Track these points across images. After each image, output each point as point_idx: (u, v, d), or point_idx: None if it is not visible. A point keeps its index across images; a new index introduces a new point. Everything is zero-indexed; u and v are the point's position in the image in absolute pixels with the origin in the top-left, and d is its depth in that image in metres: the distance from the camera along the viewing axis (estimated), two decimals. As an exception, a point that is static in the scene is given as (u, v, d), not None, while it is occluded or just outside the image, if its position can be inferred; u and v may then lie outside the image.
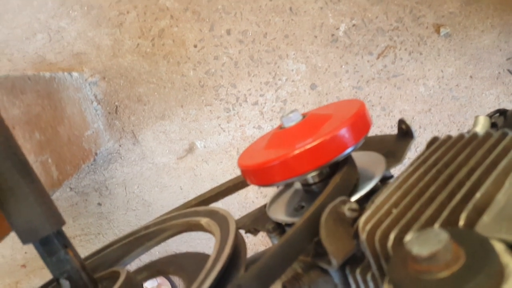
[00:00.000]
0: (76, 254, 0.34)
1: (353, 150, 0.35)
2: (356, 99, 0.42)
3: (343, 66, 1.21)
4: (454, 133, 0.36)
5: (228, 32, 1.17)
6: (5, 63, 1.17)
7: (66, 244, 0.34)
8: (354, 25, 1.20)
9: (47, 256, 0.33)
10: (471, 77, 1.24)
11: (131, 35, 1.15)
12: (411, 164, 0.34)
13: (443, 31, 1.21)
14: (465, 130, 0.37)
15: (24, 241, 0.33)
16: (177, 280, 1.19)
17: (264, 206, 0.46)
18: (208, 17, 1.16)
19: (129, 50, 1.17)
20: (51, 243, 0.33)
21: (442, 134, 0.37)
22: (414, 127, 1.23)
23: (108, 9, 1.12)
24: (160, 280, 1.15)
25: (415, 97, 1.24)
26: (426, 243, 0.19)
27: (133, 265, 0.47)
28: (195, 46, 1.17)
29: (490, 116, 0.47)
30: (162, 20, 1.15)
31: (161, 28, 1.15)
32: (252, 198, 1.23)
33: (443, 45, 1.23)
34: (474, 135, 0.34)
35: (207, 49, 1.16)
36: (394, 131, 0.44)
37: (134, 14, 1.13)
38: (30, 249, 1.21)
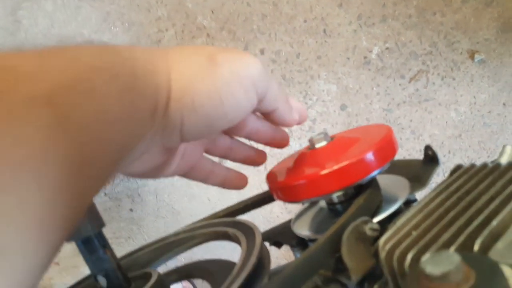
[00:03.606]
0: (113, 254, 0.37)
1: (378, 174, 0.37)
2: (384, 124, 0.44)
3: (375, 88, 1.22)
4: (484, 159, 0.37)
5: (262, 51, 1.20)
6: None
7: (105, 244, 0.37)
8: (387, 48, 1.21)
9: (87, 254, 0.36)
10: (504, 104, 1.23)
11: (169, 50, 1.20)
12: (434, 190, 0.35)
13: (477, 57, 1.20)
14: (495, 157, 0.38)
15: (68, 240, 0.36)
16: (200, 284, 1.22)
17: (289, 221, 0.48)
18: (243, 37, 1.19)
19: (167, 64, 1.22)
20: (92, 243, 0.36)
21: (471, 160, 0.38)
22: (444, 152, 1.23)
23: (148, 26, 1.17)
24: (185, 283, 1.18)
25: (446, 122, 1.23)
26: (439, 263, 0.21)
27: (159, 270, 0.50)
28: (230, 63, 1.20)
29: (517, 146, 0.47)
30: (198, 38, 1.19)
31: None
32: (277, 213, 1.25)
33: (476, 71, 1.22)
34: (497, 165, 0.35)
35: (241, 67, 1.20)
36: (423, 155, 0.45)
37: (173, 32, 1.18)
38: (64, 248, 1.26)
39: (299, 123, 0.40)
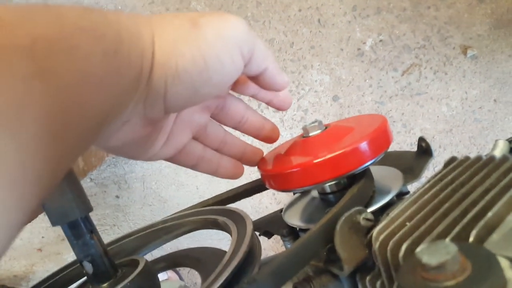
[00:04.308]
0: (100, 240, 0.36)
1: (371, 164, 0.36)
2: (379, 114, 0.43)
3: (367, 80, 1.22)
4: (474, 155, 0.37)
5: (256, 39, 1.19)
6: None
7: (92, 229, 0.36)
8: (381, 40, 1.21)
9: (73, 239, 0.35)
10: (495, 100, 1.24)
11: (161, 35, 1.18)
12: (428, 181, 0.35)
13: (470, 53, 1.21)
14: (485, 153, 0.38)
15: (54, 223, 0.35)
16: (185, 274, 1.21)
17: (279, 211, 0.47)
18: (237, 23, 1.18)
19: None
20: (79, 227, 0.35)
21: (461, 155, 0.38)
22: (434, 147, 1.23)
23: (141, 10, 1.15)
24: (170, 273, 1.18)
25: (437, 117, 1.24)
26: (436, 253, 0.20)
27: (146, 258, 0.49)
28: (222, 51, 1.19)
29: (510, 141, 0.47)
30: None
31: (190, 30, 1.18)
32: (266, 203, 1.25)
33: (469, 66, 1.22)
34: (491, 158, 0.35)
35: (234, 54, 1.18)
36: (414, 148, 0.45)
37: (166, 16, 1.16)
38: (47, 234, 1.25)
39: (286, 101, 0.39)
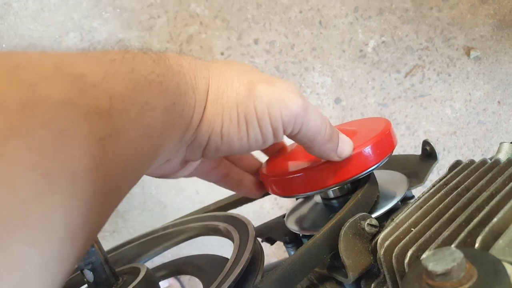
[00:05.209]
0: (100, 248, 0.36)
1: (375, 168, 0.36)
2: (383, 117, 0.43)
3: (370, 82, 1.21)
4: (478, 157, 0.37)
5: (256, 41, 1.19)
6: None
7: (92, 237, 0.35)
8: (383, 42, 1.20)
9: (73, 247, 0.35)
10: (499, 102, 1.23)
11: (160, 38, 1.18)
12: (433, 186, 0.34)
13: (473, 54, 1.20)
14: (489, 156, 0.37)
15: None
16: (186, 281, 1.21)
17: (282, 216, 0.47)
18: (237, 26, 1.18)
19: (159, 54, 1.20)
20: (79, 234, 0.34)
21: (466, 158, 0.37)
22: (438, 149, 1.22)
23: (140, 12, 1.15)
24: (172, 280, 1.17)
25: (441, 119, 1.23)
26: (442, 260, 0.20)
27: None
28: (222, 54, 1.19)
29: (516, 143, 0.46)
30: (191, 26, 1.17)
31: (189, 34, 1.18)
32: (268, 208, 1.24)
33: (472, 68, 1.22)
34: (496, 162, 0.34)
35: (234, 57, 1.18)
36: (418, 151, 0.44)
37: (165, 19, 1.16)
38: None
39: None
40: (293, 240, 0.42)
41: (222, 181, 0.40)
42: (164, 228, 0.46)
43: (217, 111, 0.28)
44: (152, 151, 0.23)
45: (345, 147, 0.34)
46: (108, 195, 0.19)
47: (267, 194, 0.43)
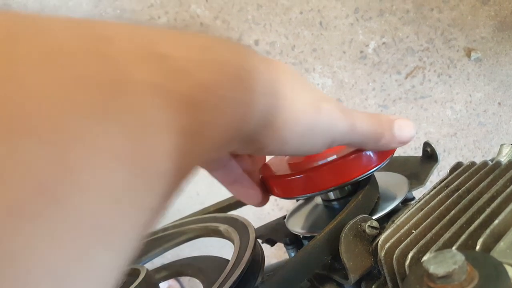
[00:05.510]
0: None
1: (376, 170, 0.36)
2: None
3: (370, 84, 1.21)
4: (478, 159, 0.37)
5: (256, 42, 1.19)
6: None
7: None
8: (384, 43, 1.20)
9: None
10: (499, 103, 1.23)
11: (161, 40, 1.18)
12: (434, 188, 0.34)
13: (473, 55, 1.20)
14: (490, 157, 0.37)
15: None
16: (186, 283, 1.20)
17: (282, 218, 0.47)
18: (238, 27, 1.18)
19: (160, 55, 1.20)
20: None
21: (466, 159, 0.37)
22: (439, 151, 1.22)
23: (140, 13, 1.15)
24: (172, 282, 1.17)
25: (442, 120, 1.23)
26: (443, 263, 0.20)
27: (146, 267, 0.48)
28: (224, 55, 1.19)
29: (516, 145, 0.46)
30: (191, 27, 1.17)
31: (191, 35, 1.18)
32: (268, 209, 1.24)
33: (473, 69, 1.22)
34: (497, 164, 0.34)
35: (235, 58, 1.18)
36: (418, 152, 0.44)
37: (165, 20, 1.16)
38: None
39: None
40: (293, 242, 0.42)
41: (231, 185, 0.38)
42: (164, 229, 0.46)
43: (283, 122, 0.27)
44: (222, 148, 0.22)
45: (403, 134, 0.34)
46: (173, 196, 0.17)
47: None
